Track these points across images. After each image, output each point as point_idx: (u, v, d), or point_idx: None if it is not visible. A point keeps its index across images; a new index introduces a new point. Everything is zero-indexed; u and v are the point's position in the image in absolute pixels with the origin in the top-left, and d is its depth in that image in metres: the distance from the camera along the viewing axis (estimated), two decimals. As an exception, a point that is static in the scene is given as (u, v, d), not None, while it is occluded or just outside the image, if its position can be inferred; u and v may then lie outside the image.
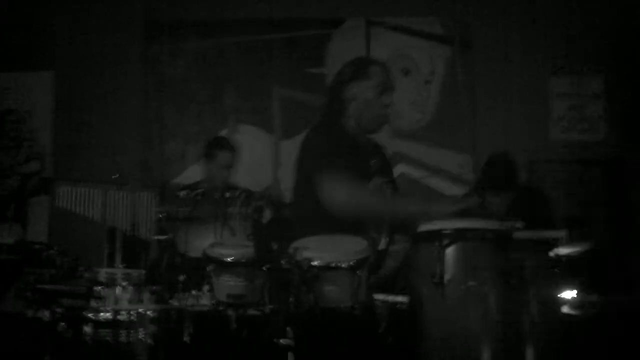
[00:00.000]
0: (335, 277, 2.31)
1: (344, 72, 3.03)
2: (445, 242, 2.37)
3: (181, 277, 2.78)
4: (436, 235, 2.40)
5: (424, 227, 2.49)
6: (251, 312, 2.56)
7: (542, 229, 3.18)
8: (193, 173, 5.31)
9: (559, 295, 2.70)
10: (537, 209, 3.94)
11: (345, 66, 3.08)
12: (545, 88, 5.70)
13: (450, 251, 2.38)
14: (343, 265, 2.31)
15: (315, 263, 2.26)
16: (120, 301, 2.57)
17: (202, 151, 4.32)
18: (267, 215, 2.54)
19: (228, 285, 2.46)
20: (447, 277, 2.34)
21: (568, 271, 2.86)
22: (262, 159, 5.53)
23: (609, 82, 5.69)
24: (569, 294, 2.77)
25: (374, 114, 2.96)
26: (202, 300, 2.66)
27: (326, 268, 2.29)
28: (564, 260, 2.88)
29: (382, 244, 2.92)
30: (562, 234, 3.14)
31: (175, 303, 2.64)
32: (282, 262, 2.26)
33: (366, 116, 2.96)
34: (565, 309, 2.78)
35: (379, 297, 2.62)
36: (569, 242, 3.11)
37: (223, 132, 5.46)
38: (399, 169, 5.31)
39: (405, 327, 2.54)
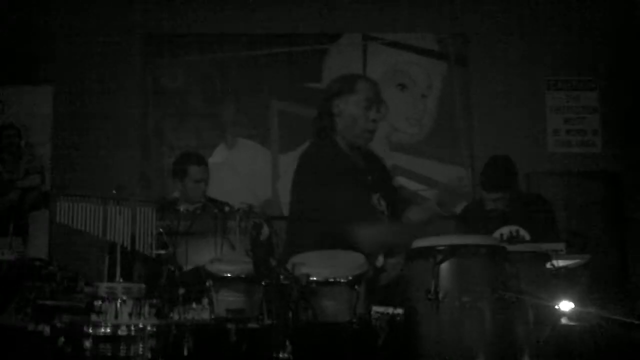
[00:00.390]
0: (334, 292, 2.33)
1: (332, 87, 3.06)
2: (439, 258, 2.40)
3: (181, 291, 2.79)
4: (430, 251, 2.43)
5: (418, 244, 2.52)
6: (251, 325, 2.58)
7: (545, 238, 3.22)
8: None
9: (556, 307, 2.72)
10: (541, 215, 3.96)
11: (333, 82, 3.11)
12: (541, 102, 5.75)
13: (444, 267, 2.40)
14: (341, 281, 2.33)
15: (313, 278, 2.28)
16: (120, 315, 2.58)
17: (171, 170, 4.23)
18: (266, 232, 2.56)
19: (227, 300, 2.47)
20: (441, 293, 2.37)
21: (566, 283, 2.89)
22: (260, 172, 5.56)
23: (604, 96, 5.75)
24: (567, 305, 2.78)
25: (360, 129, 2.98)
26: (202, 314, 2.67)
27: (324, 283, 2.31)
28: (562, 272, 2.91)
29: (380, 261, 2.94)
30: (560, 246, 3.18)
31: (175, 316, 2.65)
32: (281, 277, 2.28)
33: (352, 131, 2.98)
34: (563, 321, 2.80)
35: (378, 309, 2.64)
36: (567, 254, 3.14)
37: (222, 146, 5.48)
38: (397, 182, 5.33)
39: (403, 340, 2.56)
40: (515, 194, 3.95)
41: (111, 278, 2.91)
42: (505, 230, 3.63)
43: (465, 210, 4.21)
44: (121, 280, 2.84)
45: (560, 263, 2.96)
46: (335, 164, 2.84)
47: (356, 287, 2.33)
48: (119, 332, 2.44)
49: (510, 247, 2.68)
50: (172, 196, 4.22)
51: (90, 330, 2.42)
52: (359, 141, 2.98)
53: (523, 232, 3.58)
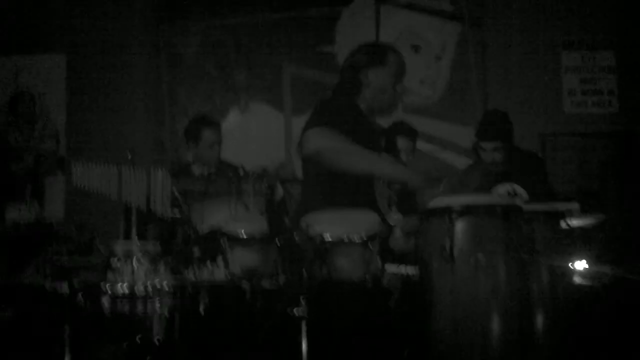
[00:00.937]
0: (347, 250, 2.34)
1: (361, 56, 3.03)
2: (455, 217, 2.40)
3: (196, 252, 2.82)
4: (445, 211, 2.43)
5: (433, 204, 2.52)
6: (265, 284, 2.60)
7: (540, 197, 3.21)
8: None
9: (570, 266, 2.72)
10: (534, 174, 3.94)
11: (361, 49, 3.07)
12: (557, 62, 5.68)
13: (459, 226, 2.40)
14: (355, 239, 2.34)
15: (327, 237, 2.29)
16: (136, 274, 2.62)
17: (184, 135, 4.21)
18: (280, 192, 2.57)
19: (242, 259, 2.50)
20: (456, 251, 2.37)
21: (580, 242, 2.88)
22: (273, 136, 5.56)
23: (620, 56, 5.66)
24: (581, 265, 2.78)
25: (386, 100, 2.97)
26: (216, 273, 2.70)
27: (338, 242, 2.32)
28: (576, 232, 2.91)
29: (392, 220, 2.95)
30: (574, 205, 3.16)
31: (190, 276, 2.69)
32: (295, 236, 2.30)
33: (379, 101, 2.97)
34: (577, 280, 2.80)
35: (391, 269, 2.65)
36: (582, 214, 3.13)
37: (236, 110, 5.49)
38: (410, 144, 5.31)
39: (416, 299, 2.57)
40: (511, 149, 3.92)
41: (127, 239, 2.95)
42: (502, 189, 3.63)
43: (468, 168, 4.22)
44: (137, 240, 2.88)
45: (575, 223, 2.95)
46: (351, 120, 2.83)
47: (370, 245, 2.34)
48: (136, 290, 2.47)
49: (526, 207, 2.68)
50: (186, 160, 4.23)
51: (108, 289, 2.45)
52: (382, 110, 2.99)
53: (520, 190, 3.58)
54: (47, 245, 2.75)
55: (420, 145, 5.46)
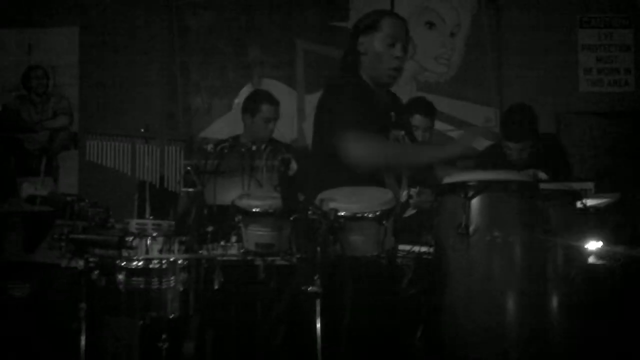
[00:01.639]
0: (362, 227, 2.33)
1: (358, 24, 2.98)
2: (471, 193, 2.38)
3: (209, 228, 2.82)
4: (461, 186, 2.41)
5: (449, 179, 2.50)
6: (279, 261, 2.61)
7: (565, 180, 3.18)
8: (219, 127, 5.37)
9: (585, 246, 2.70)
10: (555, 159, 3.91)
11: (360, 19, 3.03)
12: (573, 40, 5.61)
13: (475, 202, 2.39)
14: (369, 216, 2.33)
15: (341, 213, 2.28)
16: (150, 251, 2.63)
17: (243, 104, 4.24)
18: (294, 167, 2.56)
19: (256, 235, 2.48)
20: (472, 228, 2.36)
21: (595, 222, 2.86)
22: (286, 112, 5.52)
23: (638, 34, 5.58)
24: (595, 244, 2.76)
25: (384, 67, 2.86)
26: (230, 250, 2.70)
27: (352, 218, 2.31)
28: (591, 211, 2.89)
29: (403, 196, 2.93)
30: (589, 185, 3.14)
31: (204, 253, 2.69)
32: (309, 212, 2.29)
33: (377, 69, 2.87)
34: (591, 260, 2.79)
35: (404, 247, 2.65)
36: (597, 193, 3.11)
37: (247, 85, 5.47)
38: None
39: (429, 278, 2.57)
40: (536, 142, 3.89)
41: (141, 216, 2.96)
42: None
43: (484, 154, 4.15)
44: (151, 218, 2.89)
45: (590, 202, 2.93)
46: (360, 97, 2.79)
47: (384, 222, 2.33)
48: (151, 266, 2.48)
49: (542, 185, 2.66)
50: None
51: (123, 264, 2.46)
52: (384, 79, 2.90)
53: (543, 176, 3.55)
54: (61, 221, 2.76)
55: (435, 123, 5.46)
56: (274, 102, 4.15)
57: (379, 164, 2.70)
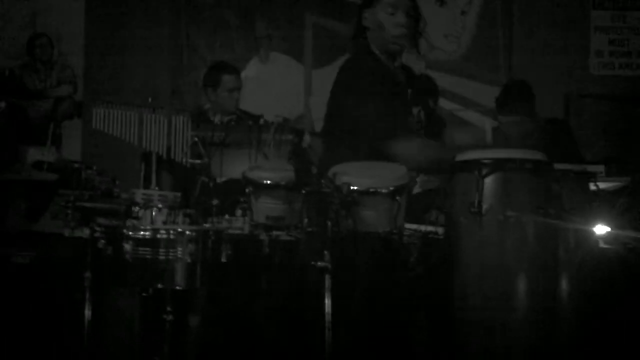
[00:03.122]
0: (374, 202, 2.29)
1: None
2: (485, 171, 2.34)
3: (215, 202, 2.78)
4: (475, 164, 2.37)
5: (462, 157, 2.46)
6: (284, 237, 2.57)
7: (568, 160, 3.15)
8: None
9: (595, 230, 2.67)
10: (562, 141, 3.87)
11: None
12: (585, 21, 5.54)
13: (489, 180, 2.35)
14: (382, 191, 2.29)
15: (354, 187, 2.24)
16: (155, 223, 2.59)
17: (203, 80, 4.18)
18: (307, 139, 2.51)
19: (267, 207, 2.45)
20: (485, 206, 2.32)
21: (605, 205, 2.83)
22: (293, 87, 5.48)
23: (651, 16, 5.52)
24: (602, 228, 2.73)
25: (388, 36, 2.83)
26: (235, 223, 2.67)
27: (365, 193, 2.27)
28: (601, 195, 2.85)
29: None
30: (600, 168, 3.10)
31: (209, 226, 2.65)
32: (322, 185, 2.25)
33: (381, 40, 2.83)
34: (601, 244, 2.76)
35: (411, 226, 2.61)
36: (607, 176, 3.07)
37: (256, 60, 5.42)
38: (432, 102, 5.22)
39: (437, 257, 2.54)
40: (534, 120, 3.83)
41: (146, 186, 2.92)
42: None
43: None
44: (157, 188, 2.84)
45: (601, 185, 2.90)
46: (375, 75, 2.75)
47: (397, 197, 2.29)
48: (158, 236, 2.44)
49: (556, 165, 2.62)
50: (205, 107, 4.19)
51: (130, 233, 2.42)
52: (391, 48, 2.86)
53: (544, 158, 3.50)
54: (67, 191, 2.71)
55: (443, 102, 5.40)
56: (233, 71, 4.09)
57: (423, 163, 2.70)
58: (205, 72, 4.24)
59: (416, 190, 3.13)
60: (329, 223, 2.19)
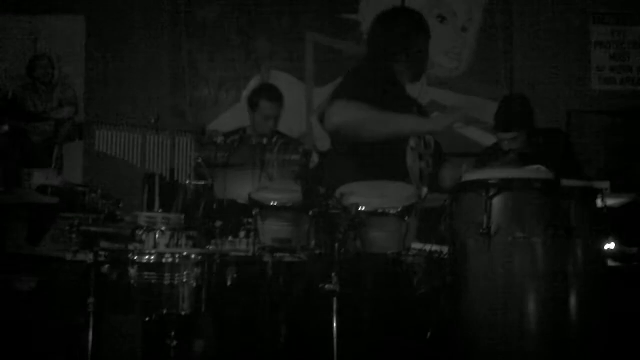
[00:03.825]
0: (383, 223, 2.27)
1: (399, 24, 2.95)
2: (492, 192, 2.31)
3: (218, 223, 2.75)
4: (482, 184, 2.34)
5: (469, 177, 2.43)
6: (288, 258, 2.54)
7: (568, 174, 3.12)
8: (226, 119, 5.30)
9: (603, 246, 2.64)
10: (560, 154, 3.84)
11: (393, 17, 2.99)
12: (586, 37, 5.54)
13: (497, 201, 2.32)
14: (391, 211, 2.26)
15: (362, 208, 2.21)
16: (158, 245, 2.56)
17: (248, 99, 4.14)
18: (315, 159, 2.49)
19: (273, 229, 2.42)
20: (494, 227, 2.29)
21: (610, 222, 2.81)
22: (295, 105, 5.46)
23: (652, 31, 5.52)
24: (610, 245, 2.70)
25: (422, 64, 2.93)
26: (238, 245, 2.64)
27: (374, 214, 2.25)
28: (605, 211, 2.83)
29: (424, 192, 2.87)
30: (606, 184, 3.08)
31: (213, 248, 2.63)
32: (330, 206, 2.22)
33: (416, 66, 2.91)
34: (608, 260, 2.73)
35: (416, 245, 2.58)
36: (612, 192, 3.05)
37: (256, 78, 5.41)
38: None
39: (441, 277, 2.51)
40: (533, 133, 3.81)
41: (150, 208, 2.89)
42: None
43: (483, 153, 4.09)
44: (160, 210, 2.82)
45: (607, 201, 2.87)
46: (381, 85, 2.75)
47: (406, 218, 2.26)
48: (163, 260, 2.41)
49: (563, 182, 2.59)
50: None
51: (135, 258, 2.39)
52: (417, 77, 2.90)
53: (541, 169, 3.48)
54: (71, 214, 2.68)
55: (443, 118, 5.38)
56: (273, 98, 4.02)
57: (357, 130, 2.63)
58: (251, 90, 4.25)
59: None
60: (337, 245, 2.17)
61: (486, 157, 3.93)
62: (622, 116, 5.45)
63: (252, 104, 4.03)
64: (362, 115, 2.59)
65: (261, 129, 3.93)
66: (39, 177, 2.85)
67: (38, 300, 2.92)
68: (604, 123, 5.43)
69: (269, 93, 4.06)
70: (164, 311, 2.37)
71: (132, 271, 2.36)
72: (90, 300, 2.44)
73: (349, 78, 2.85)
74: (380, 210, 2.25)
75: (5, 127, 4.23)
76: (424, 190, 2.88)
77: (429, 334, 2.56)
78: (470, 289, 2.34)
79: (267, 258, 2.54)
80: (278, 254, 2.51)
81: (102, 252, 2.45)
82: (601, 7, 5.53)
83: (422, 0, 5.46)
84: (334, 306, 2.20)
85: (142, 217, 2.67)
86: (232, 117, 5.31)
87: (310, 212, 2.33)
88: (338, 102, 2.61)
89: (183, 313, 2.39)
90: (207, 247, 2.65)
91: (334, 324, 2.20)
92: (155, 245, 2.57)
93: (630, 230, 3.15)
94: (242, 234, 2.71)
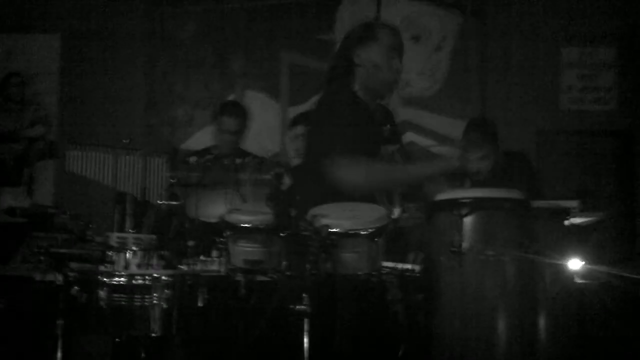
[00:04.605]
0: (354, 244, 2.27)
1: (352, 35, 2.91)
2: (464, 211, 2.34)
3: (190, 243, 2.74)
4: (454, 204, 2.37)
5: (442, 196, 2.45)
6: (260, 278, 2.53)
7: (536, 197, 3.17)
8: (201, 139, 5.28)
9: (570, 265, 2.68)
10: (522, 176, 3.89)
11: (353, 29, 2.95)
12: (556, 57, 5.63)
13: (468, 220, 2.35)
14: (362, 232, 2.27)
15: (334, 230, 2.22)
16: (129, 266, 2.54)
17: (211, 116, 4.19)
18: (287, 181, 2.49)
19: (245, 251, 2.41)
20: (465, 245, 2.32)
21: (578, 240, 2.85)
22: (269, 125, 5.48)
23: (620, 52, 5.62)
24: (576, 263, 2.74)
25: (383, 79, 2.81)
26: (211, 266, 2.63)
27: (345, 235, 2.25)
28: (575, 230, 2.87)
29: (396, 213, 2.88)
30: (574, 204, 3.12)
31: (184, 268, 2.61)
32: (301, 228, 2.22)
33: (375, 81, 2.80)
34: (576, 279, 2.77)
35: (388, 264, 2.59)
36: (582, 212, 3.09)
37: (230, 97, 5.40)
38: (407, 137, 5.26)
39: (414, 296, 2.52)
40: (497, 156, 3.86)
41: (120, 229, 2.87)
42: None
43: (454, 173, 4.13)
44: (131, 231, 2.80)
45: (576, 221, 2.92)
46: (353, 115, 2.72)
47: (376, 239, 2.27)
48: (134, 282, 2.39)
49: (532, 202, 2.63)
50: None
51: (105, 280, 2.37)
52: (382, 91, 2.84)
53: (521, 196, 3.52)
54: (41, 234, 2.66)
55: (417, 139, 5.44)
56: (234, 114, 3.98)
57: (368, 187, 2.64)
58: (215, 107, 4.20)
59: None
60: (308, 266, 2.17)
61: (458, 177, 3.96)
62: (591, 136, 5.53)
63: (215, 120, 4.01)
64: (359, 173, 2.59)
65: (222, 146, 3.91)
66: (6, 199, 2.82)
67: (7, 321, 2.89)
68: (573, 142, 5.51)
69: (231, 109, 4.03)
70: (134, 333, 2.35)
71: (102, 293, 2.34)
72: (59, 322, 2.42)
73: (322, 110, 2.80)
74: (351, 232, 2.26)
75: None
76: (396, 210, 2.89)
77: (401, 352, 2.56)
78: (443, 306, 2.37)
79: (239, 277, 2.53)
80: (249, 275, 2.51)
81: (71, 274, 2.42)
82: (571, 29, 5.62)
83: (397, 19, 5.52)
84: (305, 327, 2.20)
85: (113, 237, 2.64)
86: (206, 137, 5.29)
87: (282, 234, 2.33)
88: (337, 162, 2.56)
89: (154, 335, 2.38)
90: (179, 266, 2.63)
91: (305, 345, 2.19)
92: (126, 266, 2.54)
93: (598, 249, 3.19)
94: (214, 253, 2.70)
